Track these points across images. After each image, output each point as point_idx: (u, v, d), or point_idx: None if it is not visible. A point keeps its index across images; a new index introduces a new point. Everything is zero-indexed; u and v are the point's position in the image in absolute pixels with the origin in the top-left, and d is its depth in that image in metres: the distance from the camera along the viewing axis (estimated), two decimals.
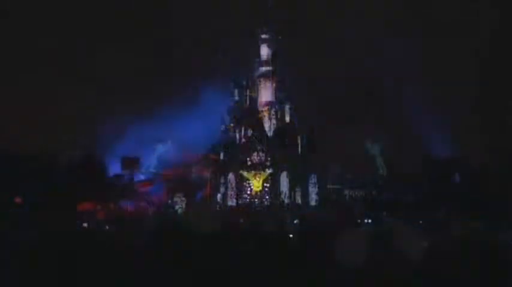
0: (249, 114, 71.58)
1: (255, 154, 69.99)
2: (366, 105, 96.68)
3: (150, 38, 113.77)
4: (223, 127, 74.09)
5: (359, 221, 54.27)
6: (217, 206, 69.23)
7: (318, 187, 70.38)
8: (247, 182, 69.26)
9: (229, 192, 69.50)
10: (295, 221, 50.56)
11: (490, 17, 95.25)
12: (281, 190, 68.57)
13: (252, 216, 54.07)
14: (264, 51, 76.37)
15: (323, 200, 69.15)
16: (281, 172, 69.46)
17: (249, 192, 68.93)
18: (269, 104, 74.59)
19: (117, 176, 74.96)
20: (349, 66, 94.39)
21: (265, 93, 75.03)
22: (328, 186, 72.84)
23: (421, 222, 52.02)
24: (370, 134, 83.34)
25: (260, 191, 68.53)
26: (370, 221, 54.63)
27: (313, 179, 70.65)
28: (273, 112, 74.00)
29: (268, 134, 72.44)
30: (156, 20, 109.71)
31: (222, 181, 70.81)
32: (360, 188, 73.59)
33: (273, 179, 68.90)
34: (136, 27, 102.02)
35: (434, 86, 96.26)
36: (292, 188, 68.96)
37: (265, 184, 69.01)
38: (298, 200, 69.31)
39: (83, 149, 71.93)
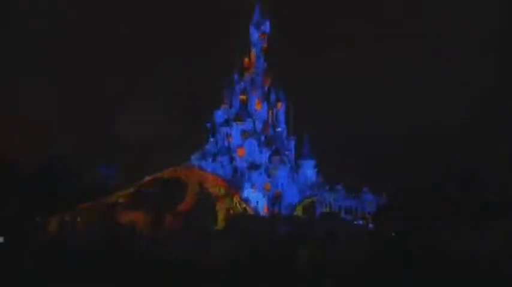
0: (242, 116, 70.56)
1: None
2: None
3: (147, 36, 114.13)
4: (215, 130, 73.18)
5: None
6: None
7: None
8: None
9: None
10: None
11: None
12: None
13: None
14: (258, 50, 74.51)
15: None
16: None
17: None
18: (263, 105, 73.24)
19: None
20: (347, 65, 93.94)
21: (259, 95, 73.42)
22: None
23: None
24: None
25: None
26: (361, 222, 54.29)
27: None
28: (267, 114, 73.08)
29: (263, 137, 71.32)
30: (154, 19, 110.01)
31: None
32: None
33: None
34: (133, 27, 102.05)
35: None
36: None
37: None
38: None
39: (76, 152, 71.96)
